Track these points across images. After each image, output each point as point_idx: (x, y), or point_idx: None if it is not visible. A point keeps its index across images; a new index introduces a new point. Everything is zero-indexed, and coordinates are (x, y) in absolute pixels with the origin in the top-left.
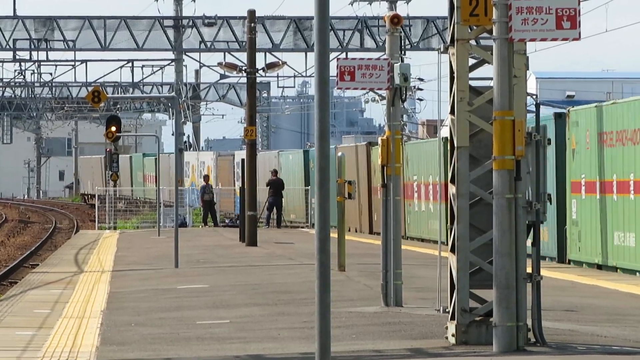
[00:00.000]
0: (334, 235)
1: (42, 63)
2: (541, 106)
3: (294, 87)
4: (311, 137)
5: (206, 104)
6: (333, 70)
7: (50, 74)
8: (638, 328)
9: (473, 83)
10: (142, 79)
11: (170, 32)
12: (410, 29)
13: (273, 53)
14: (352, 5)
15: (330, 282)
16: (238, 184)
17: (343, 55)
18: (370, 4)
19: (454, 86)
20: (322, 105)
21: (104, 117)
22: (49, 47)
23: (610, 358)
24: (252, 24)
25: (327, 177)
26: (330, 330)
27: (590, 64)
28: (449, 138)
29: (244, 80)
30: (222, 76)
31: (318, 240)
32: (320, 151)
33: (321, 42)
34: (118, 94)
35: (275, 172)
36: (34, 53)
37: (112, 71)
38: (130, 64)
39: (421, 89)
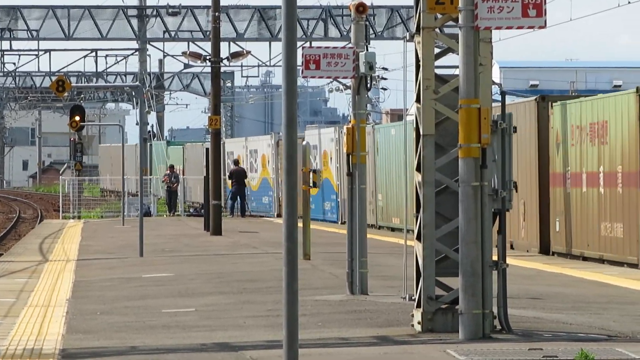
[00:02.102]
0: (299, 224)
1: (5, 52)
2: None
3: (258, 76)
4: (275, 127)
5: (170, 93)
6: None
7: (14, 63)
8: (603, 315)
9: (439, 71)
10: (106, 69)
11: (134, 22)
12: (374, 18)
13: (237, 42)
14: None
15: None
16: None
17: (308, 44)
18: None
19: (420, 75)
20: (290, 92)
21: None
22: (12, 36)
23: (576, 345)
24: (217, 13)
25: (295, 165)
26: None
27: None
28: (414, 126)
29: (208, 69)
30: (186, 65)
31: (286, 227)
32: (287, 139)
33: (289, 28)
34: (82, 83)
35: (236, 162)
36: None
37: (76, 61)
38: (94, 54)
39: (385, 79)
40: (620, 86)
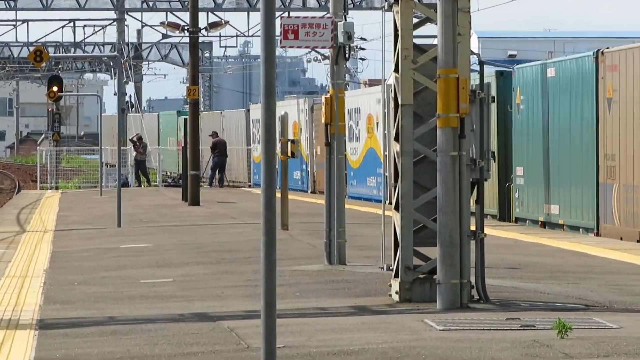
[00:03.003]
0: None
1: None
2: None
3: (236, 46)
4: (254, 97)
5: (148, 63)
6: (277, 29)
7: None
8: (580, 285)
9: (417, 41)
10: (84, 39)
11: None
12: None
13: (215, 12)
14: None
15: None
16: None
17: (286, 14)
18: None
19: (398, 44)
20: (268, 62)
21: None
22: None
23: (554, 314)
24: None
25: (273, 135)
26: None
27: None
28: (392, 96)
29: (187, 40)
30: (164, 36)
31: (264, 197)
32: (266, 108)
33: None
34: (60, 53)
35: (215, 134)
36: None
37: (54, 31)
38: (72, 24)
39: (363, 49)
40: None
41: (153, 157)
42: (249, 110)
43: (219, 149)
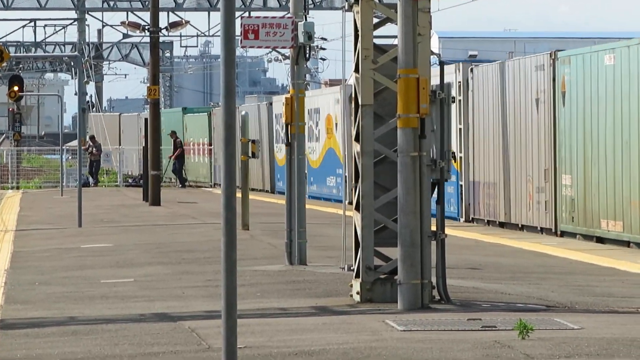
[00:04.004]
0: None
1: None
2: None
3: (197, 46)
4: (214, 97)
5: (109, 63)
6: (237, 29)
7: None
8: (541, 285)
9: (377, 41)
10: (45, 39)
11: None
12: None
13: (176, 12)
14: None
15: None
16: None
17: (247, 14)
18: None
19: (359, 44)
20: (228, 62)
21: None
22: None
23: (515, 315)
24: None
25: (234, 135)
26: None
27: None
28: (352, 96)
29: (147, 39)
30: (125, 35)
31: (224, 197)
32: (226, 108)
33: None
34: (20, 53)
35: (174, 134)
36: None
37: (15, 31)
38: (32, 24)
39: (324, 49)
40: None
41: (114, 157)
42: (271, 104)
43: (181, 149)
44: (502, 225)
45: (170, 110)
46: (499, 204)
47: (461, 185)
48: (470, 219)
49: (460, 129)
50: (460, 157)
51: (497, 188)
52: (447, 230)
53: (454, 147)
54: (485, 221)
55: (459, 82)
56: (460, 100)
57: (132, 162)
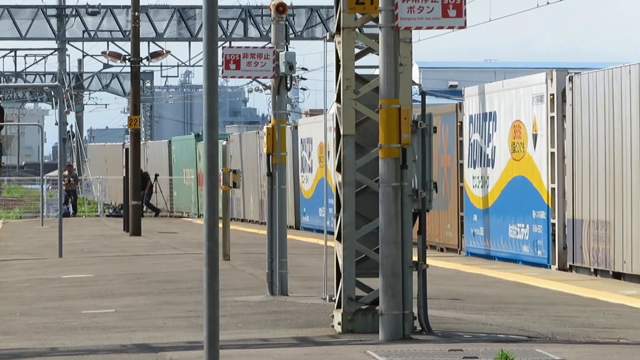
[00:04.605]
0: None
1: None
2: (426, 96)
3: (178, 76)
4: (195, 127)
5: (89, 93)
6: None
7: None
8: (523, 316)
9: (359, 71)
10: (25, 69)
11: (54, 21)
12: (294, 18)
13: (157, 42)
14: None
15: None
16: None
17: (227, 44)
18: None
19: (340, 75)
20: (211, 92)
21: None
22: None
23: (496, 346)
24: (136, 13)
25: (216, 165)
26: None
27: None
28: (334, 126)
29: (128, 69)
30: (106, 65)
31: (207, 227)
32: (208, 139)
33: (210, 27)
34: (1, 83)
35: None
36: None
37: None
38: (13, 54)
39: (305, 79)
40: None
41: (94, 187)
42: (296, 127)
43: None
44: (617, 276)
45: (181, 138)
46: (613, 249)
47: (553, 224)
48: (568, 266)
49: (552, 152)
50: (553, 189)
51: (609, 228)
52: (428, 261)
53: (544, 175)
54: (592, 270)
55: (551, 94)
56: (552, 118)
57: (116, 191)
